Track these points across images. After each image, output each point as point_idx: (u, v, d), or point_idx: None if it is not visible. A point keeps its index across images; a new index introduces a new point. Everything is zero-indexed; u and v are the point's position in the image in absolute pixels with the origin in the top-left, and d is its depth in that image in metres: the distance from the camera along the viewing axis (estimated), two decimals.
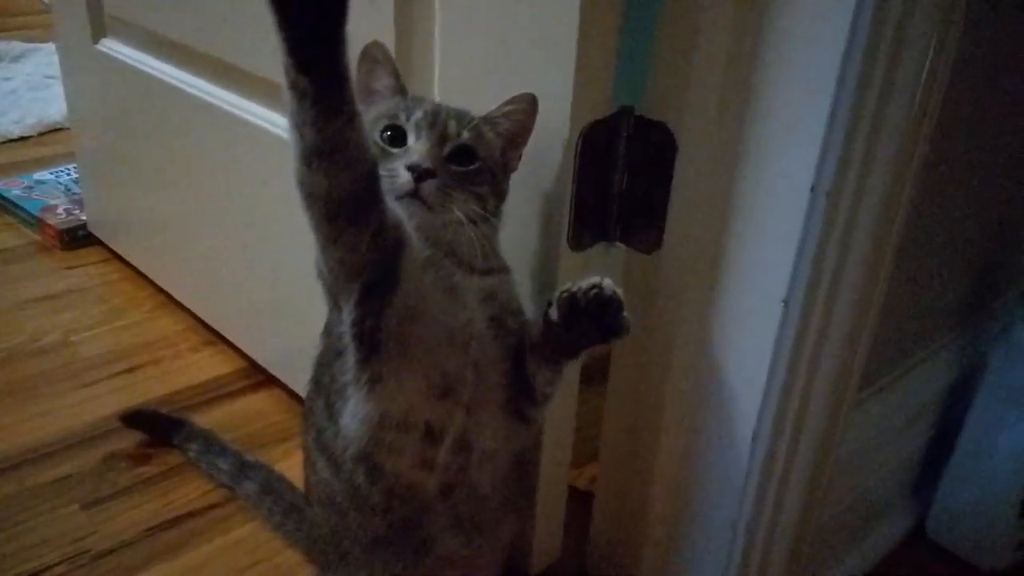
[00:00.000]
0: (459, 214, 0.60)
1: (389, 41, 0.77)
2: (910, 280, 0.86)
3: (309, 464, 0.74)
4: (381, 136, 0.62)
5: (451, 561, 0.70)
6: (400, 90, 0.66)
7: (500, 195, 0.66)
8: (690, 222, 0.70)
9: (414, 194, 0.59)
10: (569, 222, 0.70)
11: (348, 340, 0.59)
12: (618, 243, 0.74)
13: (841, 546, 0.96)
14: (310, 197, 0.53)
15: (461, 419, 0.63)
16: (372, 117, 0.63)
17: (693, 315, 0.73)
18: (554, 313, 0.61)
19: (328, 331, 0.66)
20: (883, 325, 0.78)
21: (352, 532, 0.69)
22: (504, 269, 0.67)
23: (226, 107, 1.05)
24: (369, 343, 0.59)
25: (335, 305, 0.61)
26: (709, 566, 0.80)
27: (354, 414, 0.62)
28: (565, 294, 0.60)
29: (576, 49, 0.64)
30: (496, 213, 0.65)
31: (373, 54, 0.65)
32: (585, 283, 0.60)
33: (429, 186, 0.59)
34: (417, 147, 0.61)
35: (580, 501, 0.93)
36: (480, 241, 0.62)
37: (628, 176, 0.71)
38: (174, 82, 1.14)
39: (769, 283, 0.67)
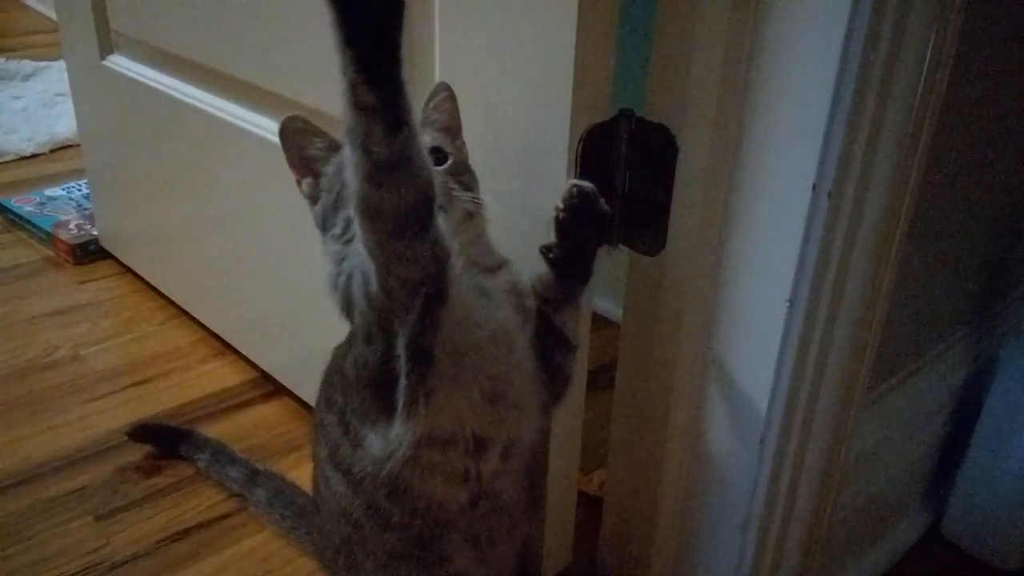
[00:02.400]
0: (464, 205, 0.63)
1: None
2: (918, 278, 0.86)
3: (322, 477, 0.74)
4: None
5: (464, 574, 0.70)
6: (335, 145, 0.66)
7: (477, 184, 0.68)
8: (693, 223, 0.70)
9: None
10: None
11: (402, 363, 0.59)
12: (621, 246, 0.74)
13: (855, 547, 0.95)
14: (376, 216, 0.53)
15: (514, 420, 0.64)
16: (331, 175, 0.65)
17: (698, 317, 0.73)
18: (552, 237, 0.64)
19: (355, 362, 0.65)
20: (891, 323, 0.78)
21: (366, 545, 0.69)
22: (507, 261, 0.68)
23: (232, 120, 1.06)
24: (425, 359, 0.58)
25: (379, 329, 0.59)
26: (720, 569, 0.79)
27: (394, 438, 0.61)
28: (555, 210, 0.63)
29: (574, 53, 0.64)
30: (481, 204, 0.67)
31: (293, 127, 0.65)
32: (563, 193, 0.63)
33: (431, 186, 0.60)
34: None
35: (590, 506, 0.93)
36: (484, 236, 0.65)
37: (630, 179, 0.71)
38: (180, 96, 1.15)
39: (773, 283, 0.66)
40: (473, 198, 0.64)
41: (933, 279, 0.90)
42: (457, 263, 0.59)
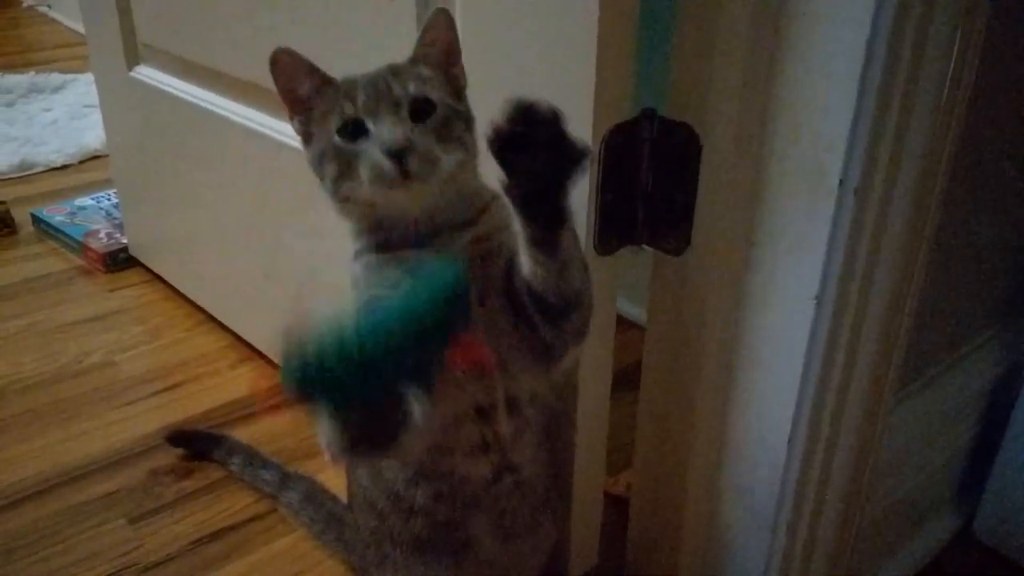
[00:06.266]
0: (448, 169, 0.58)
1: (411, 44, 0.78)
2: (948, 275, 0.85)
3: (350, 473, 0.75)
4: (341, 137, 0.58)
5: (491, 564, 0.70)
6: (324, 81, 0.61)
7: (470, 125, 0.62)
8: (717, 221, 0.70)
9: (405, 175, 0.56)
10: (595, 226, 0.70)
11: None
12: (646, 246, 0.74)
13: (886, 548, 0.94)
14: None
15: (504, 380, 0.62)
16: (318, 119, 0.61)
17: (723, 316, 0.73)
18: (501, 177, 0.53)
19: None
20: (921, 321, 0.77)
21: (393, 535, 0.70)
22: (491, 199, 0.62)
23: (258, 127, 1.08)
24: None
25: None
26: (748, 571, 0.79)
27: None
28: (490, 129, 0.51)
29: (595, 54, 0.64)
30: (474, 147, 0.61)
31: (283, 61, 0.61)
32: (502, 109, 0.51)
33: (414, 160, 0.56)
34: (382, 128, 0.57)
35: (617, 507, 0.93)
36: (467, 187, 0.61)
37: (653, 178, 0.71)
38: (206, 105, 1.17)
39: (800, 280, 0.66)
40: (457, 156, 0.58)
41: (963, 277, 0.89)
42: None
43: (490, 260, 0.60)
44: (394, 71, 0.60)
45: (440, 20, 0.62)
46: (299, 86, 0.62)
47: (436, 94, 0.60)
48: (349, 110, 0.58)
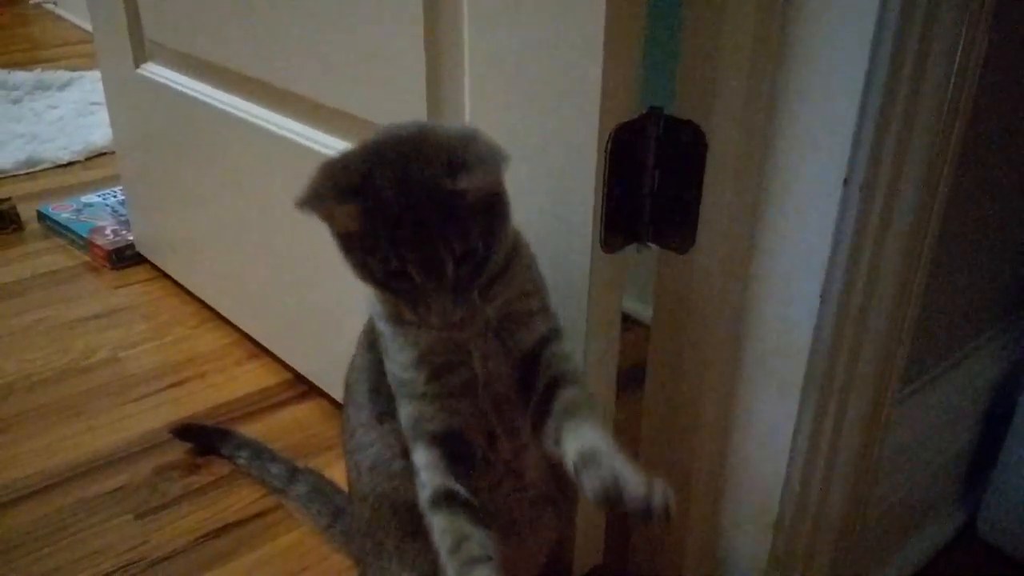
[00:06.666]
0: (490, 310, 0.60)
1: (417, 43, 0.79)
2: (952, 273, 0.85)
3: (349, 461, 0.76)
4: (386, 279, 0.57)
5: None
6: (361, 209, 0.56)
7: (506, 224, 0.60)
8: (723, 219, 0.70)
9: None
10: (600, 224, 0.70)
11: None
12: (651, 244, 0.75)
13: (888, 546, 0.95)
14: None
15: (502, 412, 0.65)
16: (352, 235, 0.58)
17: (728, 314, 0.73)
18: (583, 485, 0.57)
19: (371, 346, 0.68)
20: (925, 319, 0.77)
21: (384, 526, 0.71)
22: (510, 261, 0.62)
23: (264, 124, 1.08)
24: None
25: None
26: (752, 568, 0.79)
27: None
28: (600, 491, 0.55)
29: (602, 52, 0.64)
30: (506, 237, 0.60)
31: (318, 212, 0.59)
32: (633, 488, 0.54)
33: (465, 323, 0.58)
34: (436, 306, 0.56)
35: None
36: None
37: (659, 176, 0.72)
38: (213, 102, 1.17)
39: (805, 278, 0.66)
40: (500, 246, 0.58)
41: (967, 274, 0.89)
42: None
43: (507, 331, 0.62)
44: (432, 205, 0.54)
45: (496, 167, 0.56)
46: (337, 222, 0.59)
47: (480, 225, 0.56)
48: (395, 265, 0.55)
